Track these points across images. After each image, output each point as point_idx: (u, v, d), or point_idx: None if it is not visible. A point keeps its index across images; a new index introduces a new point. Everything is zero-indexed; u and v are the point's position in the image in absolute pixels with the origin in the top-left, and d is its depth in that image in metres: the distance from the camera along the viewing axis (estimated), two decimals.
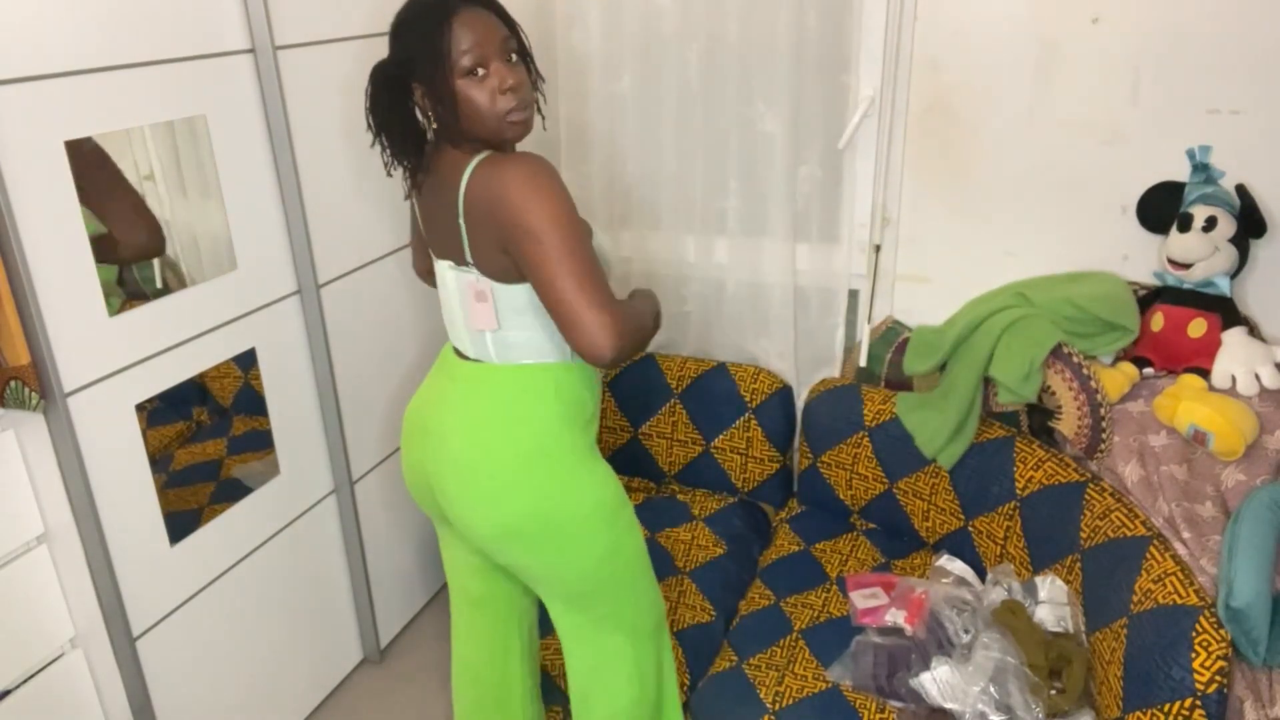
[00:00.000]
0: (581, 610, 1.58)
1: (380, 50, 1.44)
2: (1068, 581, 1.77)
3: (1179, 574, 1.51)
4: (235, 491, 1.86)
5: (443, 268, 1.48)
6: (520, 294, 1.42)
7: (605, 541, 1.52)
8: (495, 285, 1.42)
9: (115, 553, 1.60)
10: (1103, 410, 1.81)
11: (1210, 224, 1.79)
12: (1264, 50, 1.77)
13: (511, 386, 1.48)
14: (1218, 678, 1.35)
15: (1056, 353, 1.86)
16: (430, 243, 1.52)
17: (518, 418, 1.47)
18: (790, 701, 1.70)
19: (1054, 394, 1.88)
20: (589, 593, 1.55)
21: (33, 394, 1.42)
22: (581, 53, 2.30)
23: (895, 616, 1.81)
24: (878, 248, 2.18)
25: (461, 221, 1.39)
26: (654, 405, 2.39)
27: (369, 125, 1.44)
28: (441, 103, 1.36)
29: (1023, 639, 1.67)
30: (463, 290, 1.45)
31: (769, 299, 2.31)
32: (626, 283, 2.39)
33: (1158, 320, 1.89)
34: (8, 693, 1.49)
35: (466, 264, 1.43)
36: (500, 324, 1.45)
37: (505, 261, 1.39)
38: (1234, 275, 1.84)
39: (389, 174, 1.48)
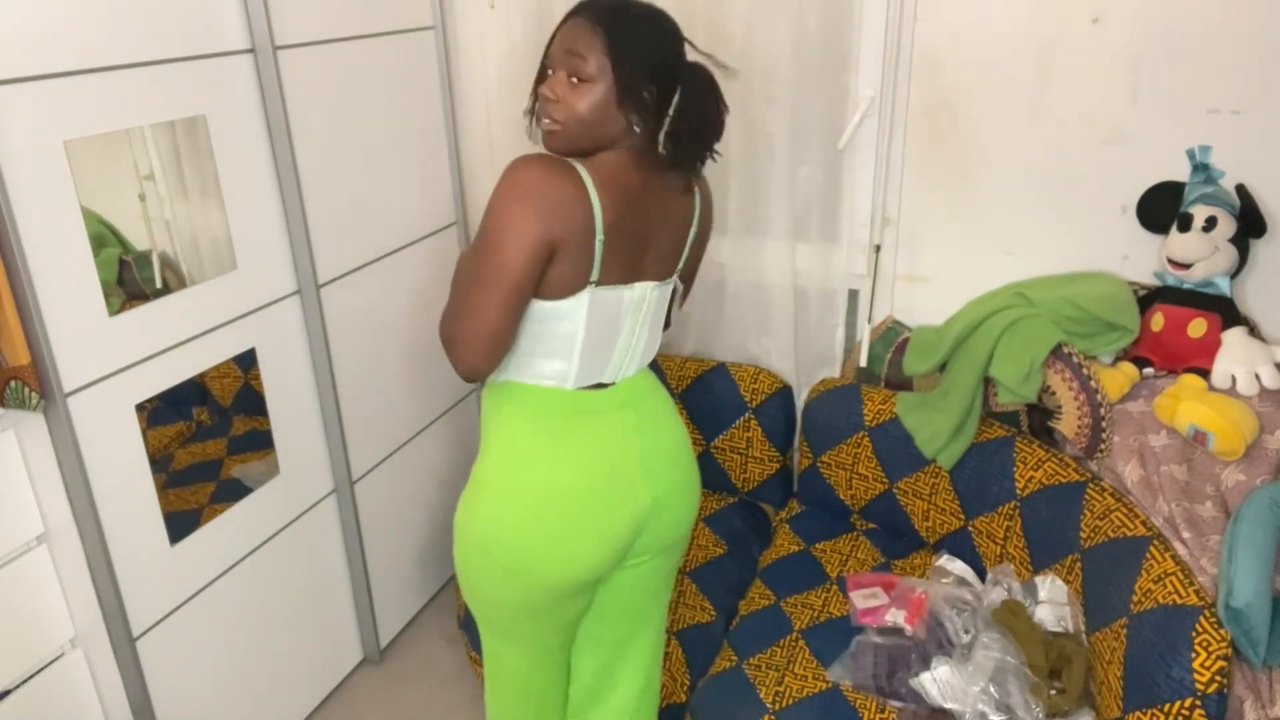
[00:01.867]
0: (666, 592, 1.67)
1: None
2: (1068, 581, 1.77)
3: (1179, 574, 1.51)
4: (235, 491, 1.86)
5: (641, 290, 1.39)
6: None
7: None
8: None
9: (115, 553, 1.60)
10: (1103, 410, 1.81)
11: (1210, 224, 1.79)
12: (1264, 50, 1.77)
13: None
14: (1218, 678, 1.35)
15: (1056, 353, 1.85)
16: (618, 271, 1.34)
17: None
18: (790, 701, 1.70)
19: (1054, 394, 1.88)
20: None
21: (33, 394, 1.42)
22: None
23: (895, 616, 1.81)
24: (878, 248, 2.18)
25: (693, 232, 1.46)
26: None
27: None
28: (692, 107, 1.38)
29: (1023, 639, 1.67)
30: (663, 304, 1.49)
31: (769, 299, 2.30)
32: None
33: (1158, 320, 1.89)
34: (8, 693, 1.49)
35: (672, 276, 1.47)
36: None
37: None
38: (1234, 275, 1.84)
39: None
